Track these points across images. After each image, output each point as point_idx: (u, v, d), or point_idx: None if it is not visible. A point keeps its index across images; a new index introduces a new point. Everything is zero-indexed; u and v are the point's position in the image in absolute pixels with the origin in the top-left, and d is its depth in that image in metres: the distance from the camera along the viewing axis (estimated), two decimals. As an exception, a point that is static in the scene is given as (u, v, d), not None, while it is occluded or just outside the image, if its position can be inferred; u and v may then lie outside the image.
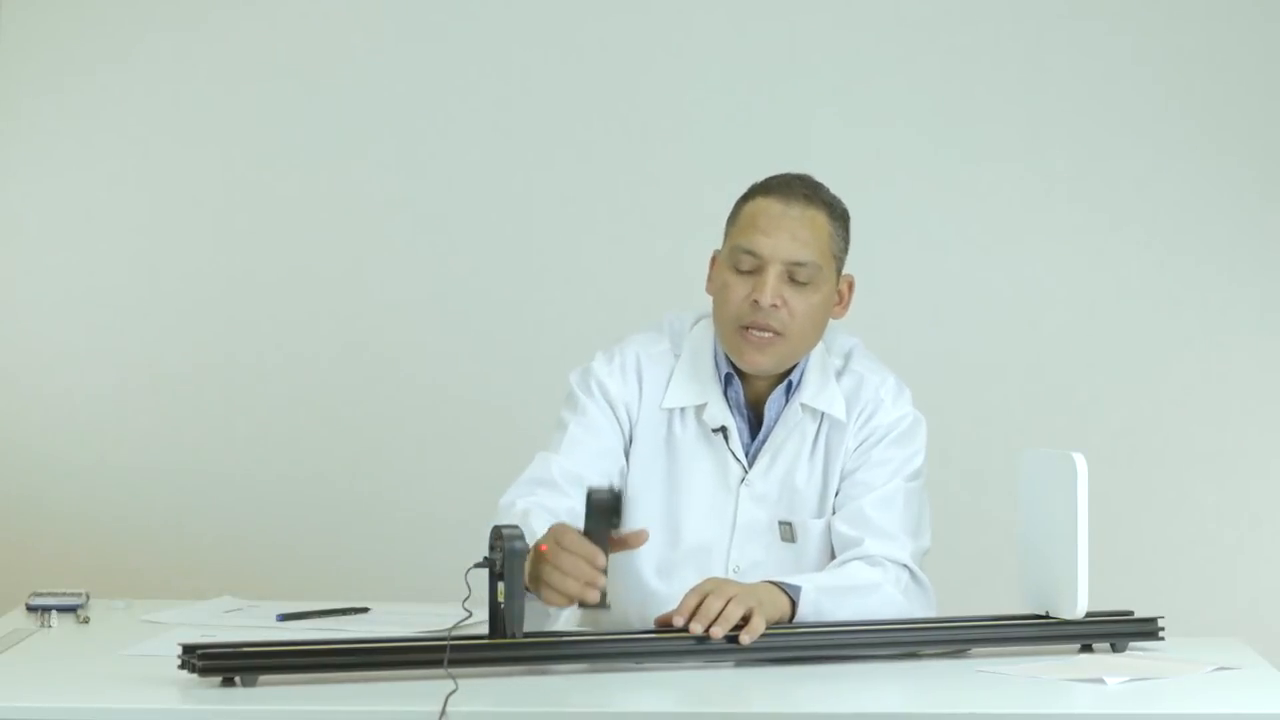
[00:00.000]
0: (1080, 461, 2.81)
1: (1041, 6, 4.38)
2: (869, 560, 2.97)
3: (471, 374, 4.40)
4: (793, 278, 2.99)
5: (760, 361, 3.01)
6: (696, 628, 2.69)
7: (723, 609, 2.70)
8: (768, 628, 2.74)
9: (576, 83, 4.40)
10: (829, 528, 3.04)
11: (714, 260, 3.08)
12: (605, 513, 2.69)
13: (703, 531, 3.04)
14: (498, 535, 2.66)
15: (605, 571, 2.67)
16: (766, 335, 2.99)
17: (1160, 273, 4.39)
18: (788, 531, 3.04)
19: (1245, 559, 4.37)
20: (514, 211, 4.41)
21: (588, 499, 2.70)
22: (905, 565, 2.98)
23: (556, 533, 2.70)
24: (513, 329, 4.39)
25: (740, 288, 2.99)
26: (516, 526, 2.68)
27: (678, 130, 4.38)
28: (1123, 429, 4.36)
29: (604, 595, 2.69)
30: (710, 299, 3.07)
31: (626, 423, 3.07)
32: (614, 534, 2.70)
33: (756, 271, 2.99)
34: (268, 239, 4.42)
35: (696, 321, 3.12)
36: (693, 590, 2.76)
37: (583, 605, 2.71)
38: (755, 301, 2.97)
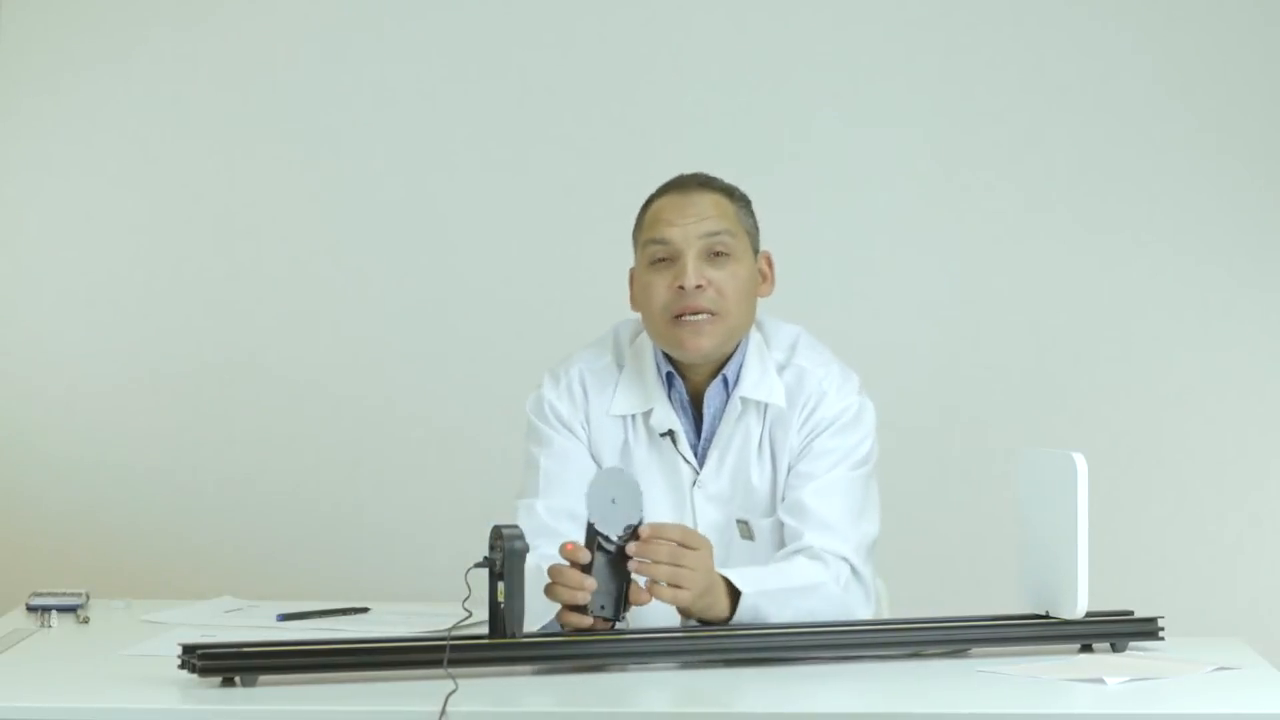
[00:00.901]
0: (1080, 461, 2.81)
1: (1041, 6, 4.38)
2: (810, 553, 2.96)
3: (472, 373, 4.40)
4: (711, 253, 3.01)
5: (701, 344, 3.01)
6: (631, 559, 2.69)
7: (665, 573, 2.71)
8: (770, 626, 2.77)
9: (576, 82, 4.40)
10: (779, 523, 3.04)
11: (632, 279, 3.10)
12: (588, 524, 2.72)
13: None
14: (498, 535, 2.66)
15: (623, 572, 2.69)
16: (701, 318, 2.99)
17: (1160, 273, 4.38)
18: (745, 530, 3.04)
19: (1245, 559, 4.37)
20: (514, 211, 4.41)
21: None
22: (846, 559, 2.97)
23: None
24: (512, 328, 4.39)
25: (662, 281, 3.01)
26: (516, 526, 2.69)
27: (678, 130, 4.38)
28: (1123, 429, 4.36)
29: (616, 609, 2.70)
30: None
31: (586, 439, 3.08)
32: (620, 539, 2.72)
33: (673, 260, 3.01)
34: (268, 239, 4.42)
35: (637, 334, 3.13)
36: (680, 530, 2.75)
37: (597, 618, 2.72)
38: (680, 288, 2.99)
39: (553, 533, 2.93)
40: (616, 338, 3.15)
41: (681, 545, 2.74)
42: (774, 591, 2.85)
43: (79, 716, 2.45)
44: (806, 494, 3.00)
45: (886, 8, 4.39)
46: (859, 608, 2.98)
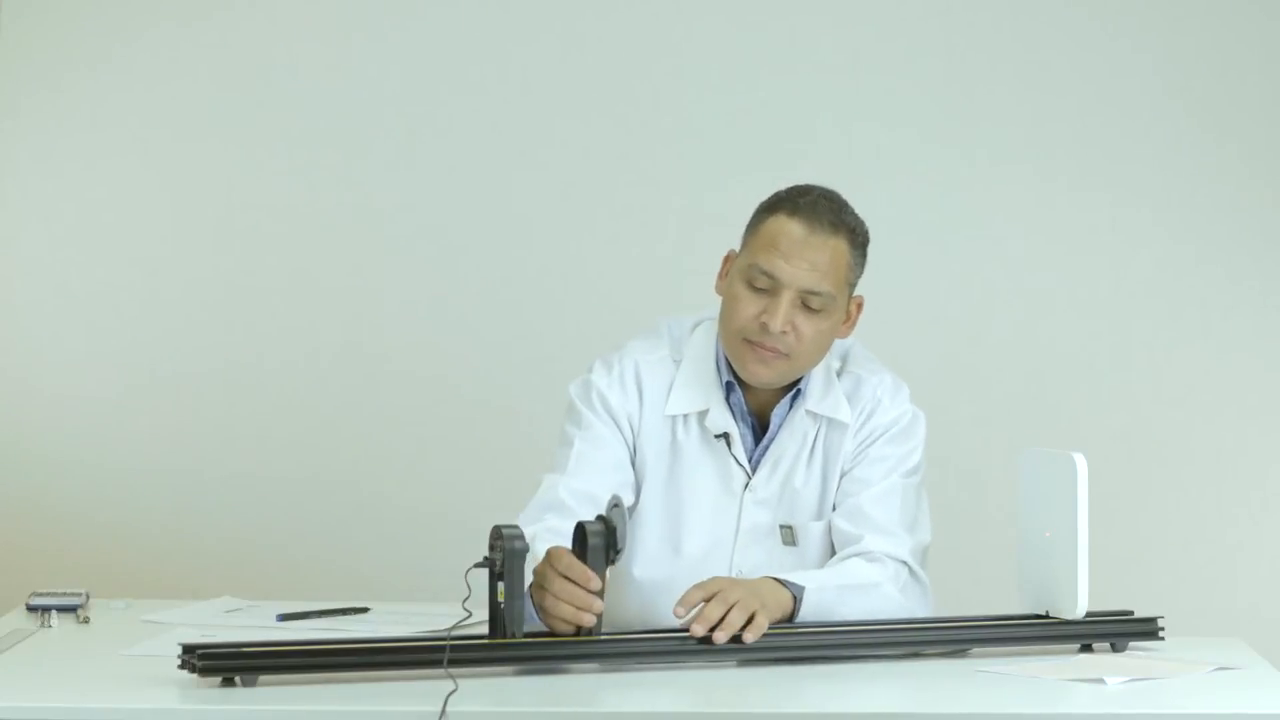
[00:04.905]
0: (1080, 461, 2.81)
1: (1042, 6, 4.38)
2: (868, 557, 2.97)
3: (471, 374, 4.40)
4: (805, 304, 2.97)
5: (763, 374, 3.00)
6: (698, 630, 2.70)
7: (725, 613, 2.71)
8: (770, 626, 2.75)
9: (576, 83, 4.40)
10: (829, 529, 3.04)
11: (727, 258, 3.06)
12: (598, 547, 2.70)
13: (707, 537, 3.04)
14: (498, 535, 2.66)
15: (602, 595, 2.68)
16: (771, 353, 2.98)
17: (1160, 272, 4.39)
18: (789, 535, 3.04)
19: (1245, 559, 4.37)
20: (514, 212, 4.41)
21: (578, 532, 2.71)
22: (904, 562, 2.99)
23: (551, 557, 2.70)
24: (512, 329, 4.39)
25: (751, 305, 2.97)
26: (516, 526, 2.68)
27: (678, 130, 4.38)
28: (1123, 429, 4.36)
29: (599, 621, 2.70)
30: (716, 298, 3.06)
31: (630, 433, 3.06)
32: (614, 556, 2.70)
33: (770, 292, 2.96)
34: (268, 239, 4.42)
35: (696, 325, 3.11)
36: (697, 586, 2.76)
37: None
38: (764, 324, 2.96)
39: (568, 511, 2.92)
40: (671, 330, 3.12)
41: (713, 601, 2.73)
42: (833, 588, 2.87)
43: (79, 716, 2.45)
44: (865, 500, 3.01)
45: (886, 8, 4.39)
46: (919, 609, 2.99)
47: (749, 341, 2.98)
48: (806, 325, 2.97)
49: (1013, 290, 4.39)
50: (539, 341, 4.35)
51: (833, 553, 3.03)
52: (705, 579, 2.79)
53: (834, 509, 3.05)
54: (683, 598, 2.74)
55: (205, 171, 4.43)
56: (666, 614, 2.81)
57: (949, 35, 4.39)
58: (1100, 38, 4.38)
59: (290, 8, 4.42)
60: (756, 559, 3.01)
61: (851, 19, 4.39)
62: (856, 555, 2.97)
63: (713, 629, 2.70)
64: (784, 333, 2.96)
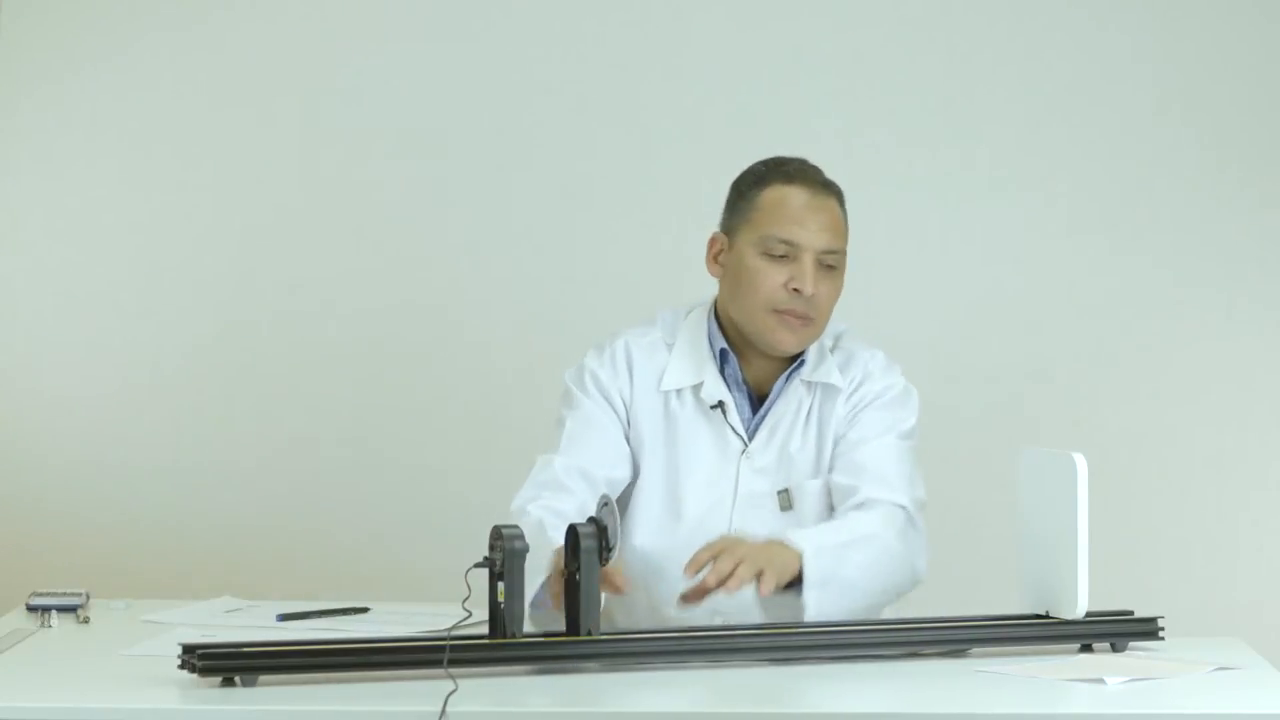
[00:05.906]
0: (1080, 461, 2.81)
1: (1041, 7, 4.38)
2: (864, 507, 3.01)
3: (472, 373, 4.40)
4: (823, 263, 3.05)
5: (789, 342, 3.07)
6: (711, 582, 2.76)
7: (734, 569, 2.76)
8: (770, 625, 2.79)
9: (577, 82, 4.40)
10: (824, 489, 3.08)
11: (713, 241, 3.13)
12: (591, 549, 2.70)
13: (704, 503, 3.08)
14: (498, 535, 2.67)
15: (599, 595, 2.69)
16: (800, 320, 3.04)
17: (1160, 273, 4.39)
18: (785, 499, 3.09)
19: (1245, 559, 4.37)
20: (515, 211, 4.41)
21: (570, 534, 2.71)
22: (903, 506, 3.03)
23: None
24: (513, 328, 4.39)
25: (775, 274, 3.04)
26: (516, 526, 2.69)
27: (678, 130, 4.38)
28: (1123, 429, 4.36)
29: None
30: (711, 281, 3.14)
31: (622, 409, 3.12)
32: (607, 556, 2.70)
33: (790, 258, 3.04)
34: (267, 238, 4.42)
35: (689, 311, 3.18)
36: (705, 546, 2.82)
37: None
38: (795, 290, 3.03)
39: (562, 488, 3.01)
40: (664, 319, 3.19)
41: (722, 556, 2.79)
42: (832, 546, 2.91)
43: (79, 716, 2.45)
44: (861, 454, 3.07)
45: (886, 8, 4.39)
46: (919, 557, 3.04)
47: (777, 311, 3.04)
48: (825, 286, 3.06)
49: (1013, 290, 4.39)
50: (539, 342, 4.35)
51: (831, 514, 3.06)
52: (713, 540, 2.86)
53: (831, 471, 3.09)
54: (692, 559, 2.81)
55: (205, 171, 4.43)
56: (668, 582, 2.90)
57: (949, 36, 4.39)
58: (1100, 39, 4.38)
59: (290, 9, 4.42)
60: (755, 525, 3.06)
61: (851, 20, 4.39)
62: (853, 508, 3.02)
63: (722, 583, 2.75)
64: (812, 295, 3.02)
